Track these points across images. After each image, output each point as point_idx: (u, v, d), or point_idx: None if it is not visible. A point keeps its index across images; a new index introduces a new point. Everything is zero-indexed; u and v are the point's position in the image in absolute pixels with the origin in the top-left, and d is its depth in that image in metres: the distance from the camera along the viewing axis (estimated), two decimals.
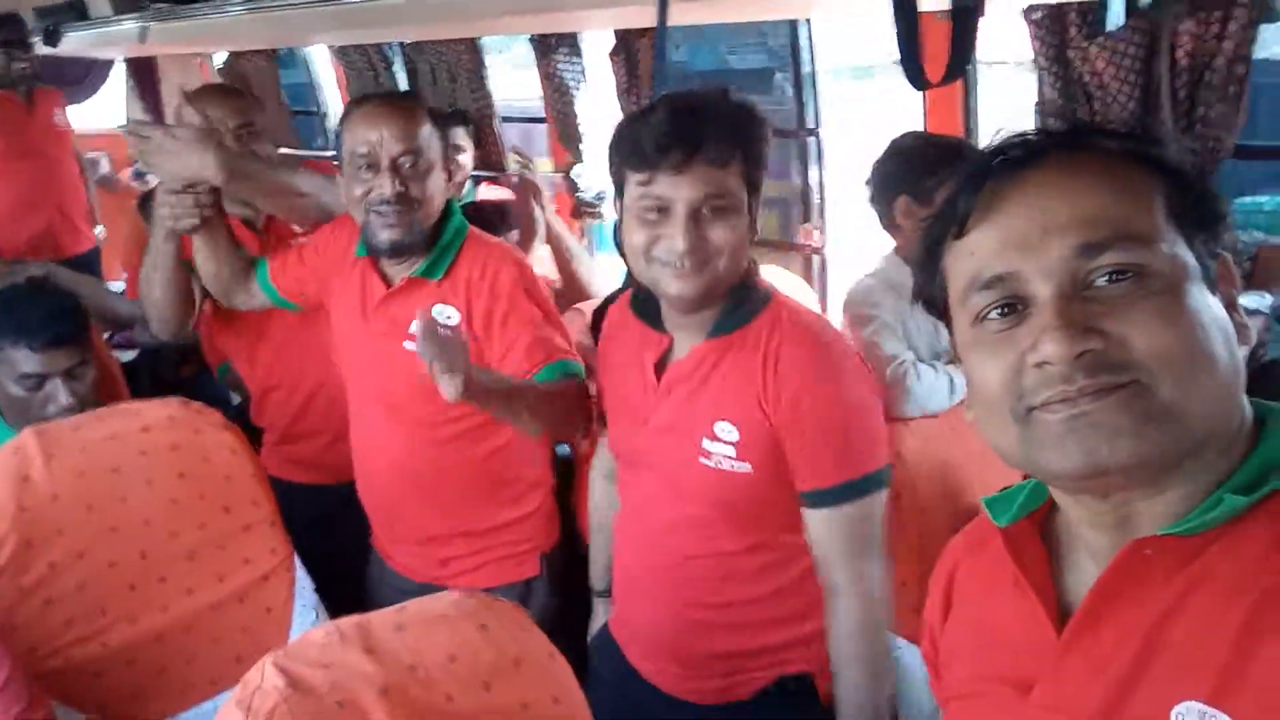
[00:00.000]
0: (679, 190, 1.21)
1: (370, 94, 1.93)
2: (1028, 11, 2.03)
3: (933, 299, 0.76)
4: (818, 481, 1.28)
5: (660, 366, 1.37)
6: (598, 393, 1.59)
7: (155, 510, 1.55)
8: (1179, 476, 0.66)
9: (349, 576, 1.91)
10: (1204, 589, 0.63)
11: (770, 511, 1.33)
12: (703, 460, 1.31)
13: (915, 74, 1.52)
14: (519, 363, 1.64)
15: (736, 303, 1.30)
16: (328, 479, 2.07)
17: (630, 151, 1.25)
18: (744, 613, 1.38)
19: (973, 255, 0.70)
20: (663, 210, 1.23)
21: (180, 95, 1.96)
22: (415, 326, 1.35)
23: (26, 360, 1.75)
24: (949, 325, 0.75)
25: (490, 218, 2.66)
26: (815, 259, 2.71)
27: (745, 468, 1.29)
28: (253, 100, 2.46)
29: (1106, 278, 0.65)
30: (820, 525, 1.30)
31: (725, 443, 1.29)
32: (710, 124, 1.22)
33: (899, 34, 1.49)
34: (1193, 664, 0.62)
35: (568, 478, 2.08)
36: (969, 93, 2.29)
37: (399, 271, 1.71)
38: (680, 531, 1.37)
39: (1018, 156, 0.70)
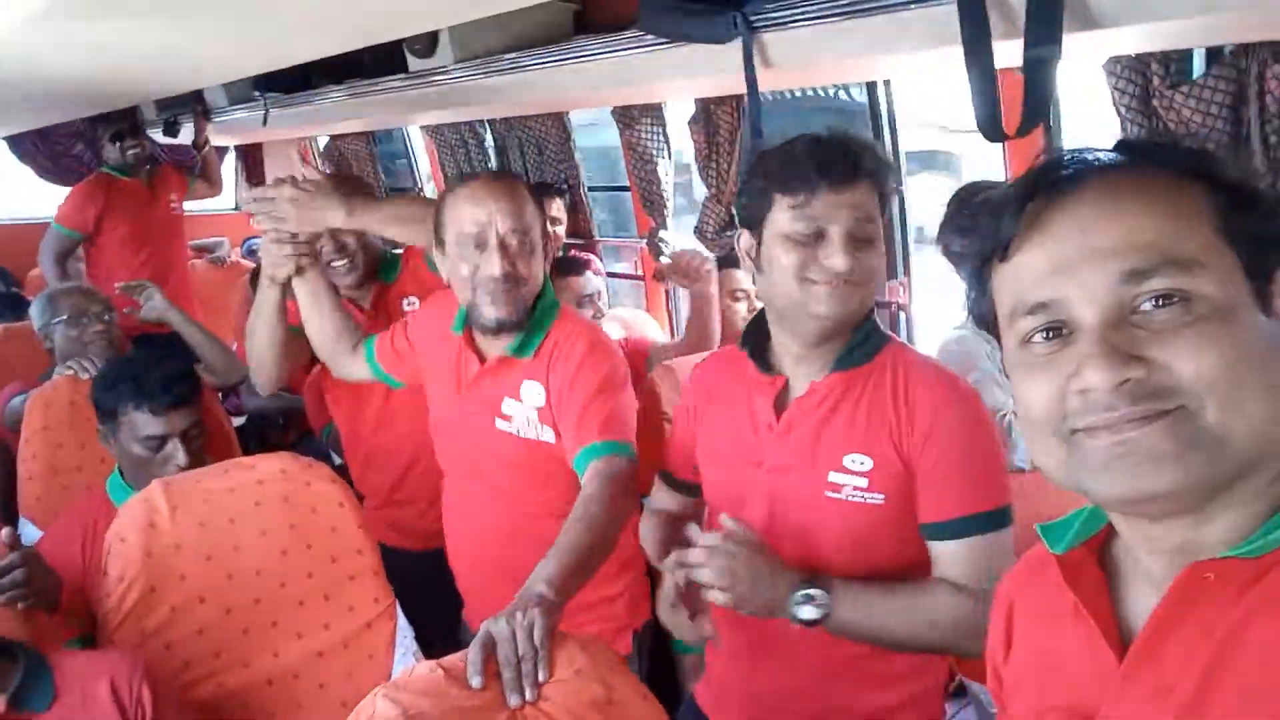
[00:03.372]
0: (838, 211, 1.22)
1: (474, 174, 2.00)
2: (1108, 64, 2.03)
3: (984, 316, 0.76)
4: (946, 513, 1.25)
5: (779, 406, 1.35)
6: (681, 440, 1.53)
7: (267, 560, 1.63)
8: (1233, 499, 0.64)
9: (446, 641, 1.86)
10: (1267, 613, 0.61)
11: (899, 549, 1.29)
12: (830, 494, 1.29)
13: (991, 127, 1.54)
14: (575, 439, 1.61)
15: (862, 338, 1.31)
16: (426, 544, 2.08)
17: (784, 174, 1.25)
18: (869, 666, 1.32)
19: (1017, 279, 0.70)
20: (818, 234, 1.23)
21: (298, 158, 2.11)
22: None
23: (148, 423, 1.86)
24: (999, 343, 0.75)
25: (572, 264, 2.78)
26: (902, 315, 2.71)
27: (878, 499, 1.27)
28: (361, 181, 2.63)
29: (1152, 302, 0.63)
30: (949, 559, 1.25)
31: (856, 474, 1.28)
32: (861, 151, 1.24)
33: (973, 86, 1.51)
34: (1257, 691, 0.60)
35: None
36: (1050, 142, 2.29)
37: (493, 348, 1.71)
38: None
39: (1061, 178, 0.68)
